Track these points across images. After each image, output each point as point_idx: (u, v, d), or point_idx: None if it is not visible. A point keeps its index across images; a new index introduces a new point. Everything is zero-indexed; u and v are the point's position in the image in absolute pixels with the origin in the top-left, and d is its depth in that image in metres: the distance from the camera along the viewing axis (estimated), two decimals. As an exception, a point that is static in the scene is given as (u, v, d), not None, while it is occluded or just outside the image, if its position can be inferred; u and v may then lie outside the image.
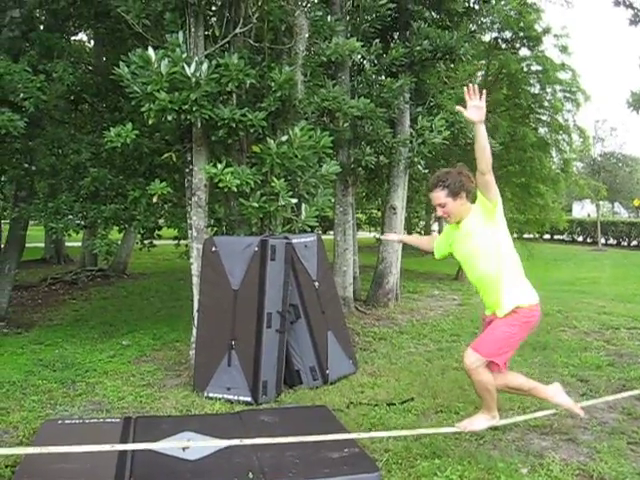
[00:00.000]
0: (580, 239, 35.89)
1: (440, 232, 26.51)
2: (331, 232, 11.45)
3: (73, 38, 12.44)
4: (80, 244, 17.32)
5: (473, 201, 4.41)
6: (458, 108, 4.00)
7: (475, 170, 4.12)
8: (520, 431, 5.26)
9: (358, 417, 5.55)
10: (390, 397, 6.15)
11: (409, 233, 27.95)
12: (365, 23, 10.27)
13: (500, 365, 4.32)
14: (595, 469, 4.47)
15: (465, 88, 3.98)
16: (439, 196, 4.36)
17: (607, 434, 5.24)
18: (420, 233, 28.37)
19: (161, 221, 9.06)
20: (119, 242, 11.61)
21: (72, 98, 9.53)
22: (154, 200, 7.04)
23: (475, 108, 3.95)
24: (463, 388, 6.35)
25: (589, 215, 41.76)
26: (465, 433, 5.04)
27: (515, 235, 31.40)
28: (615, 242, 34.04)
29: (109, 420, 5.31)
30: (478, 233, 4.36)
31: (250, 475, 4.13)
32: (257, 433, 4.67)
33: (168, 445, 4.48)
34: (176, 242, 9.52)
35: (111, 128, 6.54)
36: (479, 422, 4.50)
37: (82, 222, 8.72)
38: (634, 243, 33.04)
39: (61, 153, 8.88)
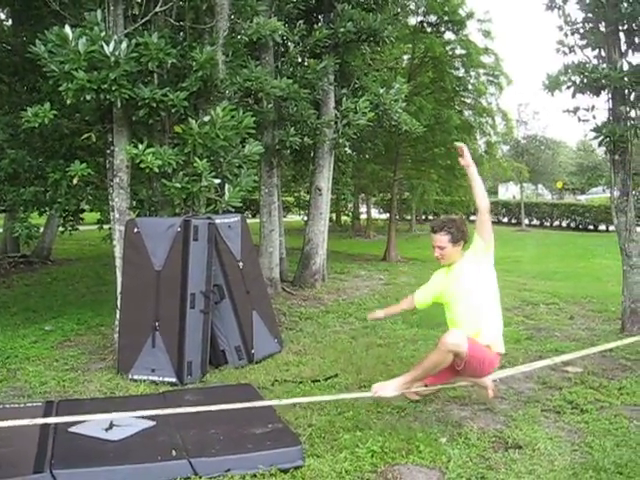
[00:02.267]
0: (505, 220, 36.74)
1: (368, 215, 26.67)
2: (260, 215, 11.44)
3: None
4: (1, 230, 16.85)
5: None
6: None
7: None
8: (440, 402, 5.42)
9: (283, 394, 5.60)
10: (315, 374, 6.23)
11: (337, 214, 28.16)
12: (289, 4, 10.28)
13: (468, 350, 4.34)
14: (510, 435, 4.66)
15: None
16: (442, 239, 4.64)
17: (523, 403, 5.45)
18: (348, 215, 28.58)
19: (84, 205, 8.90)
20: (41, 227, 11.33)
21: (-13, 77, 9.26)
22: (74, 182, 6.92)
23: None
24: (386, 364, 6.49)
25: (514, 197, 42.75)
26: (387, 406, 5.19)
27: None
28: (538, 223, 34.98)
29: (30, 404, 5.21)
30: (468, 273, 4.61)
31: (173, 453, 4.14)
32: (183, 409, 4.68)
33: (89, 418, 4.42)
34: (99, 226, 9.34)
35: (28, 108, 6.39)
36: (391, 387, 4.51)
37: (0, 206, 8.49)
38: (556, 223, 33.98)
39: (-24, 134, 8.59)
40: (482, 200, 4.55)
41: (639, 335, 7.05)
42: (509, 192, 48.67)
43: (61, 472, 3.86)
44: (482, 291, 4.60)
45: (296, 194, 24.58)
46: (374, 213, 29.19)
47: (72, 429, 4.46)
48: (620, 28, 7.72)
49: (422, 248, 18.94)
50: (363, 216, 28.38)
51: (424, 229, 25.92)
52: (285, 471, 4.08)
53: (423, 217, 35.06)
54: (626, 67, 7.53)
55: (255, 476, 4.02)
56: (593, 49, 8.03)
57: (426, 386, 4.67)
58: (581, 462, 4.23)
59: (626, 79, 7.36)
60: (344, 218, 29.48)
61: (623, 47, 7.77)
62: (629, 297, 7.82)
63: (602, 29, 7.84)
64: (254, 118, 7.07)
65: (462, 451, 4.39)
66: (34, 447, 4.16)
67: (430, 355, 4.48)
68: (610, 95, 7.80)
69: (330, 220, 19.73)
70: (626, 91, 7.62)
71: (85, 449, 4.23)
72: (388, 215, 21.11)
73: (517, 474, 4.04)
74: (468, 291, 4.60)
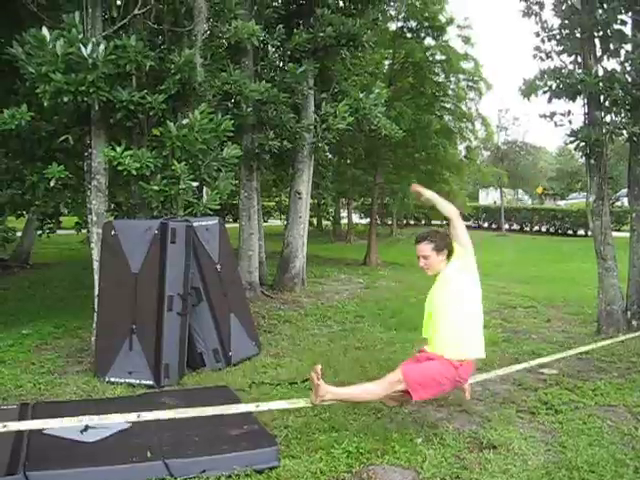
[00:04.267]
0: (485, 225, 36.91)
1: (349, 220, 26.63)
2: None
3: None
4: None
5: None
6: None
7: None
8: (417, 404, 5.41)
9: (260, 396, 5.59)
10: (292, 377, 6.23)
11: (318, 219, 28.16)
12: (269, 8, 10.33)
13: (412, 399, 4.50)
14: (485, 436, 4.69)
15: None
16: (425, 249, 4.74)
17: (498, 404, 5.50)
18: (329, 220, 28.61)
19: (62, 207, 8.85)
20: (19, 232, 11.25)
21: (-36, 80, 9.17)
22: (52, 184, 6.88)
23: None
24: (364, 366, 6.51)
25: (495, 202, 42.95)
26: (364, 408, 5.22)
27: (423, 222, 32.24)
28: (518, 227, 35.15)
29: (5, 407, 5.17)
30: (453, 278, 4.66)
31: (149, 454, 4.14)
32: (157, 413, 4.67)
33: (64, 424, 4.40)
34: (77, 229, 9.28)
35: (5, 110, 6.36)
36: (321, 391, 4.42)
37: (-23, 209, 8.42)
38: (536, 228, 34.18)
39: (-48, 137, 8.51)
40: (448, 212, 4.71)
41: (614, 337, 7.14)
42: (490, 197, 48.89)
43: (35, 474, 3.84)
44: (463, 301, 4.65)
45: (277, 199, 24.60)
46: (355, 218, 29.20)
47: (47, 431, 4.43)
48: (595, 34, 7.82)
49: (402, 253, 18.99)
50: (344, 221, 28.39)
51: (405, 234, 26.03)
52: (260, 472, 4.10)
53: (404, 222, 35.14)
54: (601, 72, 7.63)
55: (230, 477, 4.03)
56: (569, 55, 8.13)
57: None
58: (554, 461, 4.28)
59: (601, 84, 7.46)
60: (325, 223, 29.50)
61: (598, 53, 7.89)
62: (605, 300, 7.91)
63: (578, 35, 7.93)
64: (233, 121, 7.10)
65: (437, 451, 4.42)
66: (8, 448, 4.14)
67: (372, 385, 4.57)
68: (586, 100, 7.90)
69: (311, 224, 19.75)
70: (601, 96, 7.71)
71: (60, 451, 4.22)
72: (369, 220, 21.13)
73: (491, 474, 4.07)
74: (449, 301, 4.64)
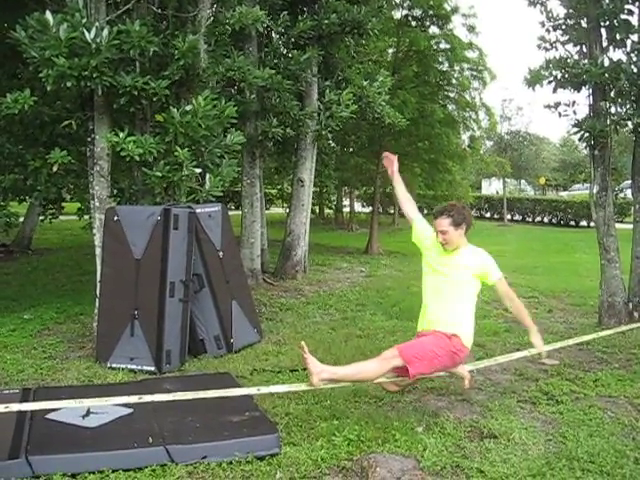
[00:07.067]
0: (488, 215, 36.89)
1: (351, 208, 26.63)
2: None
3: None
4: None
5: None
6: None
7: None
8: (418, 393, 5.45)
9: (261, 383, 5.59)
10: (293, 364, 6.23)
11: (320, 207, 28.14)
12: (273, -6, 10.29)
13: (410, 376, 4.48)
14: (486, 425, 4.69)
15: None
16: (443, 223, 4.71)
17: (499, 394, 5.50)
18: (331, 208, 28.59)
19: (65, 193, 8.84)
20: (21, 217, 11.23)
21: (-34, 64, 9.14)
22: (54, 169, 6.87)
23: None
24: (365, 354, 6.49)
25: (497, 192, 42.90)
26: (365, 396, 5.25)
27: (425, 211, 32.20)
28: (521, 218, 35.14)
29: (7, 391, 5.17)
30: (467, 267, 4.71)
31: (150, 440, 4.14)
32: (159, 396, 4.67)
33: (65, 405, 4.41)
34: (79, 214, 9.27)
35: (8, 94, 6.34)
36: (322, 372, 4.44)
37: (-21, 194, 8.41)
38: (538, 219, 34.17)
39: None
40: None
41: (615, 328, 7.13)
42: (492, 187, 48.88)
43: (37, 458, 3.86)
44: (468, 289, 4.73)
45: (279, 186, 24.59)
46: (357, 206, 29.18)
47: (49, 416, 4.46)
48: (602, 24, 7.77)
49: (404, 241, 18.95)
50: (346, 209, 28.39)
51: (406, 223, 26.02)
52: (261, 458, 4.10)
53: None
54: (607, 63, 7.57)
55: (231, 463, 4.03)
56: (575, 45, 8.08)
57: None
58: (555, 451, 4.28)
59: (607, 75, 7.41)
60: (327, 211, 29.49)
61: (604, 43, 7.83)
62: (606, 291, 7.89)
63: (584, 25, 7.88)
64: (236, 108, 7.07)
65: (438, 440, 4.42)
66: (10, 433, 4.16)
67: (370, 362, 4.56)
68: (591, 90, 7.85)
69: (313, 213, 19.74)
70: (606, 87, 7.67)
71: (61, 436, 4.23)
72: (371, 208, 21.12)
73: (491, 463, 4.08)
74: (458, 282, 4.70)
